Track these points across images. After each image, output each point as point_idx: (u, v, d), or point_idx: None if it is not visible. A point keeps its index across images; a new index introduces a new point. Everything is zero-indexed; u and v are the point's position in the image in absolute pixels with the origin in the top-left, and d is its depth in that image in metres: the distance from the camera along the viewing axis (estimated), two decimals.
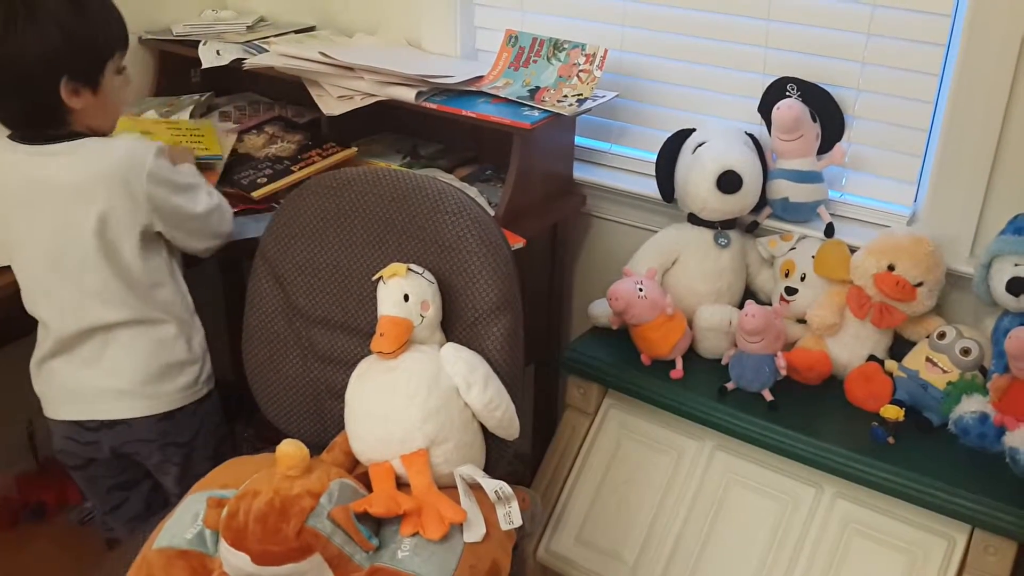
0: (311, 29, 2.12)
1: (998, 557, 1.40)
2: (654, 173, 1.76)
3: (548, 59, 1.79)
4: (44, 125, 1.35)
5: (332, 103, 1.78)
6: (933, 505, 1.42)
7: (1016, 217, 1.50)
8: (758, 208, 1.72)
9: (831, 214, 1.69)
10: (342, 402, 1.34)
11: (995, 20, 1.44)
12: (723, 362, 1.67)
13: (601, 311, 1.77)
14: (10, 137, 1.37)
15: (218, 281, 2.29)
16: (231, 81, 2.03)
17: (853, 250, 1.63)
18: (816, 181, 1.67)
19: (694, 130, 1.74)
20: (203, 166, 1.65)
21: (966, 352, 1.51)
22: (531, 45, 1.80)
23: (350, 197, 1.41)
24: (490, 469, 1.34)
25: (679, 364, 1.66)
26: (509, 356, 1.34)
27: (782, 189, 1.68)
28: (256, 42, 1.97)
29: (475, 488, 1.27)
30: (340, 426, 1.35)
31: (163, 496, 1.58)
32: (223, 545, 1.14)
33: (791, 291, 1.68)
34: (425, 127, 1.98)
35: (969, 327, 1.55)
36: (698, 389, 1.63)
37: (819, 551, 1.50)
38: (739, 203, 1.67)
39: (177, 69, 2.05)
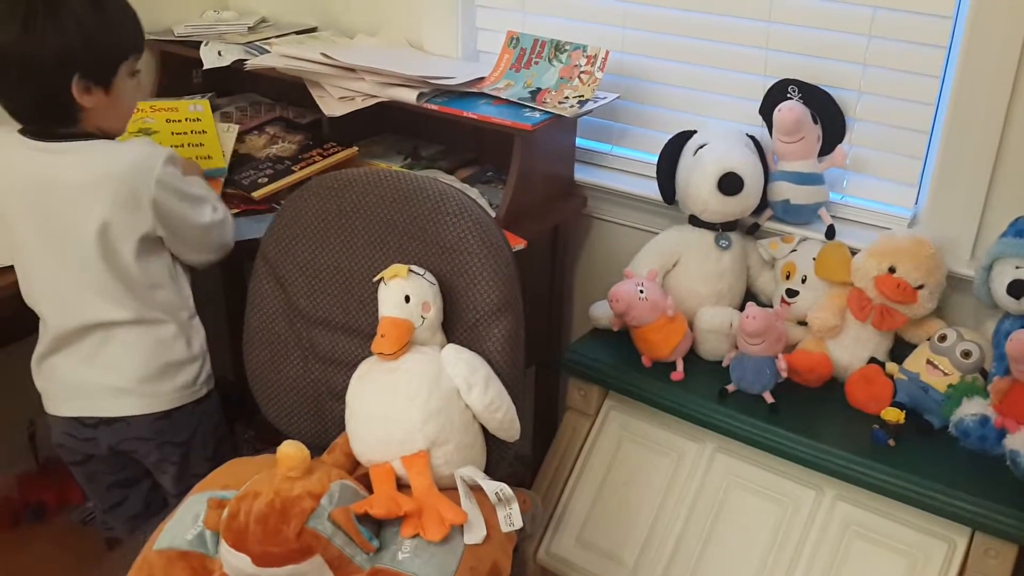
0: (312, 30, 2.12)
1: (999, 560, 1.39)
2: (655, 175, 1.77)
3: (549, 60, 1.79)
4: (54, 121, 1.35)
5: (333, 104, 1.78)
6: (933, 508, 1.42)
7: (1017, 219, 1.50)
8: (759, 210, 1.72)
9: (832, 216, 1.69)
10: (343, 403, 1.34)
11: (996, 22, 1.44)
12: (724, 364, 1.67)
13: (602, 313, 1.77)
14: (20, 132, 1.38)
15: (219, 282, 2.29)
16: (232, 82, 2.03)
17: (854, 252, 1.63)
18: (817, 183, 1.67)
19: (695, 132, 1.74)
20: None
21: (967, 355, 1.51)
22: (532, 46, 1.80)
23: (351, 198, 1.41)
24: (491, 471, 1.34)
25: (680, 366, 1.66)
26: (510, 357, 1.34)
27: (783, 191, 1.68)
28: (257, 43, 1.97)
29: (476, 490, 1.27)
30: (341, 427, 1.35)
31: (163, 496, 1.58)
32: (224, 546, 1.14)
33: (792, 293, 1.68)
34: (426, 128, 1.98)
35: (970, 329, 1.55)
36: (699, 391, 1.63)
37: (819, 554, 1.50)
38: (740, 205, 1.67)
39: (178, 70, 2.05)
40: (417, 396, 1.25)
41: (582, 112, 1.70)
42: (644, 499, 1.64)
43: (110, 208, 1.35)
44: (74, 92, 1.32)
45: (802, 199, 1.67)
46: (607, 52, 1.74)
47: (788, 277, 1.69)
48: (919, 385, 1.53)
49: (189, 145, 1.75)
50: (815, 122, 1.65)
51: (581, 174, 1.89)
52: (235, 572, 1.13)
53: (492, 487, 1.26)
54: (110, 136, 1.40)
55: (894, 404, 1.53)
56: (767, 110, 1.69)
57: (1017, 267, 1.46)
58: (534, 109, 1.68)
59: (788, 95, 1.66)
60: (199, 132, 1.77)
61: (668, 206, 1.79)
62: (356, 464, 1.33)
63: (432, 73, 1.75)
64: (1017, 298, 1.45)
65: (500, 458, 1.36)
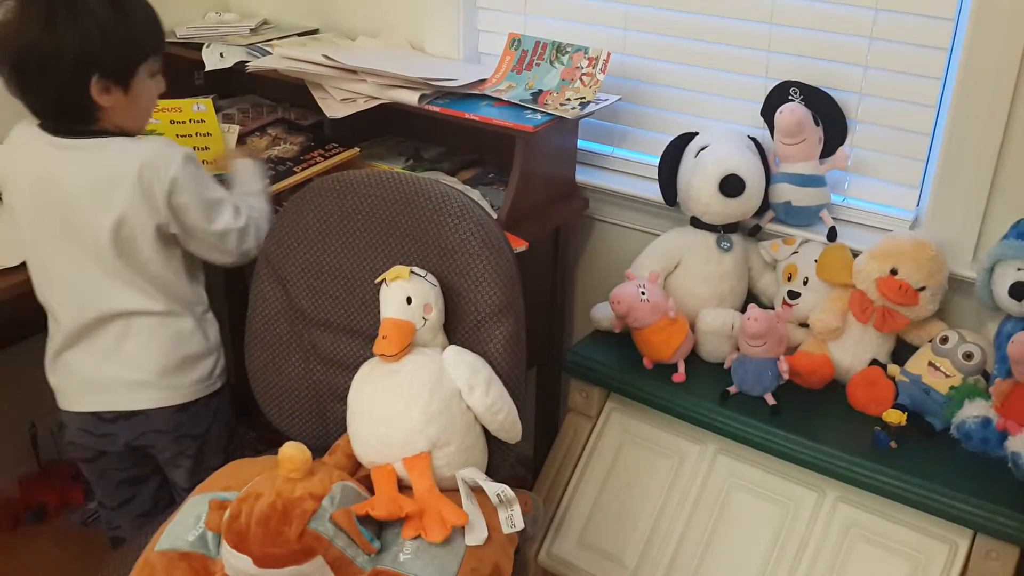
0: (314, 32, 2.12)
1: (1000, 562, 1.39)
2: (656, 177, 1.77)
3: (551, 62, 1.79)
4: (73, 119, 1.36)
5: (335, 106, 1.78)
6: (935, 510, 1.42)
7: (1019, 222, 1.50)
8: (761, 212, 1.72)
9: (834, 218, 1.69)
10: (344, 405, 1.34)
11: (998, 24, 1.44)
12: (725, 366, 1.67)
13: (603, 314, 1.77)
14: (40, 127, 1.39)
15: (220, 283, 2.29)
16: (234, 84, 2.03)
17: (856, 254, 1.63)
18: (819, 185, 1.67)
19: (696, 134, 1.74)
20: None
21: (968, 356, 1.51)
22: (534, 48, 1.81)
23: (353, 200, 1.41)
24: (492, 472, 1.34)
25: (681, 368, 1.66)
26: (511, 359, 1.34)
27: (785, 193, 1.68)
28: (259, 45, 1.98)
29: (477, 491, 1.27)
30: (342, 429, 1.35)
31: (170, 494, 1.59)
32: (225, 547, 1.14)
33: (794, 295, 1.68)
34: (428, 130, 1.98)
35: (972, 331, 1.55)
36: (700, 393, 1.63)
37: (821, 556, 1.50)
38: (741, 207, 1.67)
39: (180, 72, 2.05)
40: (419, 398, 1.25)
41: (583, 114, 1.71)
42: (645, 501, 1.64)
43: (126, 204, 1.36)
44: (93, 92, 1.33)
45: (804, 201, 1.67)
46: (608, 54, 1.74)
47: (790, 279, 1.69)
48: (921, 387, 1.53)
49: (193, 147, 1.75)
50: (816, 124, 1.65)
51: (582, 176, 1.90)
52: (236, 573, 1.13)
53: (493, 488, 1.26)
54: (129, 135, 1.41)
55: (896, 406, 1.53)
56: (768, 112, 1.69)
57: (1019, 269, 1.46)
58: (535, 111, 1.68)
59: (790, 97, 1.66)
60: (204, 135, 1.77)
61: (669, 208, 1.79)
62: (357, 465, 1.32)
63: (434, 75, 1.76)
64: (1019, 300, 1.45)
65: (501, 460, 1.36)
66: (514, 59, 1.82)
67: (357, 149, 1.84)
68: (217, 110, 1.98)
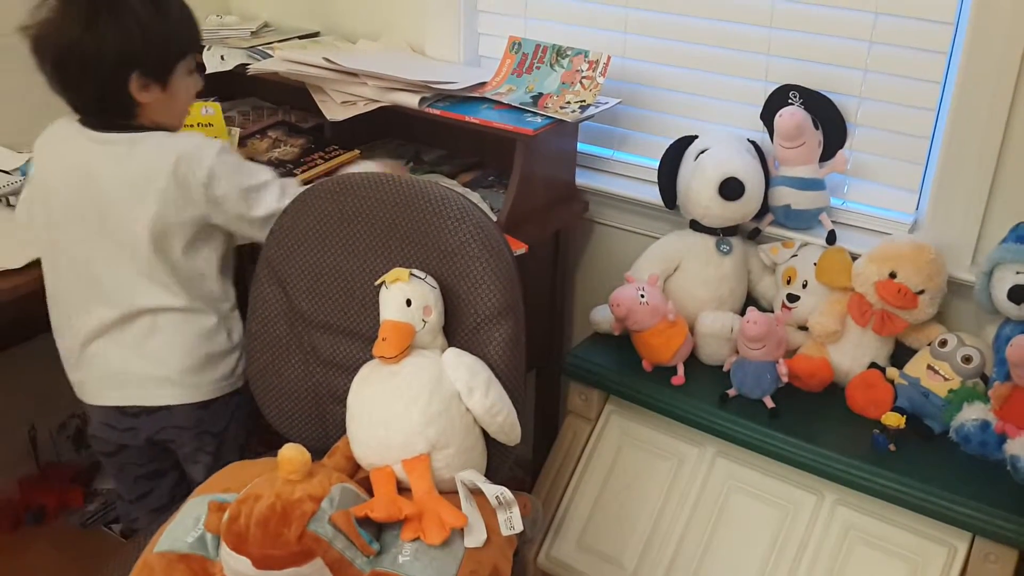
0: (315, 35, 2.12)
1: (999, 565, 1.39)
2: (656, 180, 1.77)
3: (551, 66, 1.79)
4: (113, 115, 1.38)
5: (336, 108, 1.79)
6: (934, 513, 1.42)
7: (1018, 225, 1.51)
8: (760, 215, 1.72)
9: (833, 221, 1.69)
10: (344, 406, 1.34)
11: (997, 28, 1.44)
12: (724, 369, 1.67)
13: (603, 317, 1.77)
14: (80, 121, 1.41)
15: None
16: (235, 86, 2.03)
17: (855, 257, 1.63)
18: (818, 188, 1.67)
19: (696, 137, 1.74)
20: None
21: (967, 360, 1.51)
22: (534, 51, 1.81)
23: (353, 202, 1.41)
24: (491, 474, 1.34)
25: (680, 370, 1.67)
26: (511, 361, 1.34)
27: (784, 196, 1.68)
28: (260, 47, 1.98)
29: (476, 493, 1.27)
30: (342, 430, 1.35)
31: (187, 489, 1.59)
32: (224, 549, 1.14)
33: (793, 298, 1.68)
34: (428, 133, 1.98)
35: (970, 335, 1.56)
36: (699, 395, 1.63)
37: (820, 558, 1.50)
38: (741, 210, 1.67)
39: None
40: (418, 400, 1.25)
41: (583, 117, 1.71)
42: (645, 503, 1.64)
43: (163, 197, 1.37)
44: (132, 89, 1.35)
45: (803, 204, 1.67)
46: (609, 57, 1.74)
47: (789, 282, 1.69)
48: (920, 390, 1.53)
49: None
50: (816, 127, 1.66)
51: (582, 179, 1.90)
52: (236, 575, 1.13)
53: (493, 491, 1.26)
54: (166, 131, 1.43)
55: (895, 409, 1.53)
56: (768, 115, 1.69)
57: (1018, 272, 1.46)
58: (536, 114, 1.69)
59: (789, 100, 1.66)
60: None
61: (669, 211, 1.79)
62: (357, 467, 1.33)
63: (434, 78, 1.76)
64: (1018, 303, 1.45)
65: (501, 462, 1.36)
66: (514, 62, 1.83)
67: (357, 152, 1.84)
68: None
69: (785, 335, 1.64)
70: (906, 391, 1.55)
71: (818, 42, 1.65)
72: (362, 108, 1.77)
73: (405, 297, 1.28)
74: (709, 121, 1.80)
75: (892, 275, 1.55)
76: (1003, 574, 1.39)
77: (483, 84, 1.81)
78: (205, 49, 1.96)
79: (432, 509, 1.22)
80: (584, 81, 1.75)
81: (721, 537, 1.57)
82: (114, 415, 1.48)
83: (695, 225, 1.74)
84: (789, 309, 1.68)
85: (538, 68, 1.80)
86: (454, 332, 1.35)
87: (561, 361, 1.83)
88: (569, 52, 1.78)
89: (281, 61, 1.86)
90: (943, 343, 1.54)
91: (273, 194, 1.47)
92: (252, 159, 1.82)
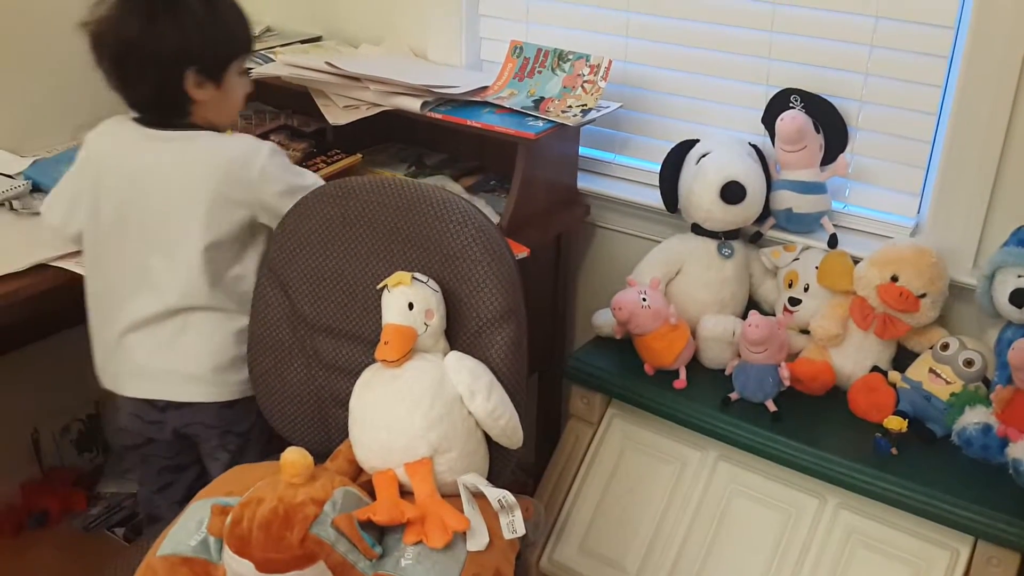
0: (317, 39, 2.13)
1: (1001, 569, 1.39)
2: (658, 183, 1.77)
3: (552, 70, 1.79)
4: (168, 112, 1.42)
5: (338, 113, 1.79)
6: (936, 516, 1.42)
7: (1019, 228, 1.51)
8: (762, 219, 1.72)
9: (834, 225, 1.70)
10: (346, 410, 1.34)
11: (998, 32, 1.44)
12: (726, 372, 1.67)
13: (605, 321, 1.77)
14: (134, 119, 1.44)
15: None
16: None
17: (856, 261, 1.63)
18: (819, 192, 1.67)
19: (698, 141, 1.74)
20: None
21: (969, 363, 1.51)
22: (536, 56, 1.81)
23: (355, 206, 1.41)
24: (493, 478, 1.34)
25: (683, 374, 1.67)
26: (513, 365, 1.34)
27: (786, 200, 1.68)
28: (262, 52, 1.98)
29: (478, 497, 1.27)
30: (344, 434, 1.35)
31: (205, 484, 1.60)
32: (227, 552, 1.14)
33: (795, 302, 1.68)
34: (430, 137, 1.99)
35: (972, 338, 1.55)
36: (701, 399, 1.63)
37: (822, 562, 1.50)
38: (742, 214, 1.67)
39: None
40: (420, 403, 1.25)
41: (585, 121, 1.71)
42: (647, 507, 1.64)
43: (213, 196, 1.40)
44: (188, 86, 1.38)
45: (805, 208, 1.68)
46: (610, 61, 1.75)
47: (791, 286, 1.70)
48: (922, 394, 1.53)
49: None
50: (817, 131, 1.66)
51: (584, 182, 1.90)
52: None
53: (495, 494, 1.26)
54: (217, 131, 1.46)
55: (897, 413, 1.53)
56: (769, 119, 1.69)
57: (1019, 276, 1.46)
58: (537, 118, 1.69)
59: (790, 104, 1.67)
60: None
61: (671, 214, 1.79)
62: (359, 471, 1.33)
63: (436, 82, 1.76)
64: (1019, 307, 1.45)
65: (503, 465, 1.36)
66: (516, 66, 1.83)
67: (359, 155, 1.85)
68: None
69: (787, 339, 1.64)
70: (908, 395, 1.55)
71: (819, 46, 1.65)
72: (364, 112, 1.77)
73: (407, 301, 1.28)
74: (710, 125, 1.80)
75: (894, 279, 1.55)
76: None
77: (485, 88, 1.81)
78: None
79: (434, 512, 1.22)
80: (586, 85, 1.76)
81: (723, 541, 1.57)
82: (144, 407, 1.51)
83: (697, 229, 1.74)
84: (791, 313, 1.68)
85: (540, 72, 1.80)
86: (456, 336, 1.35)
87: (563, 365, 1.83)
88: (571, 56, 1.78)
89: (283, 65, 1.86)
90: (945, 346, 1.54)
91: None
92: None
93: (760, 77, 1.72)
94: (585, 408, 1.75)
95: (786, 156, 1.67)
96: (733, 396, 1.62)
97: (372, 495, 1.26)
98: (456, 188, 1.82)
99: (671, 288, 1.75)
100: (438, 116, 1.71)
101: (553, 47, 1.80)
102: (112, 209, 1.44)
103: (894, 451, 1.49)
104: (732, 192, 1.63)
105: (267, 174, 1.42)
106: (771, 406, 1.59)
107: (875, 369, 1.61)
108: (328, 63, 1.79)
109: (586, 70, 1.76)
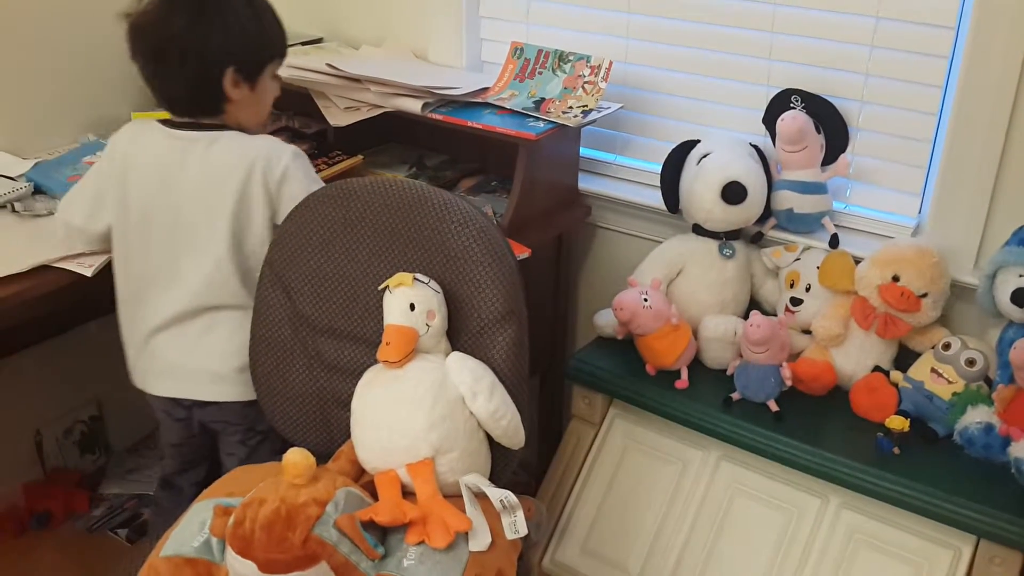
0: (318, 41, 2.13)
1: (1004, 568, 1.39)
2: (659, 184, 1.77)
3: (553, 71, 1.80)
4: (201, 108, 1.45)
5: (338, 114, 1.79)
6: (938, 516, 1.42)
7: (1020, 228, 1.51)
8: (763, 219, 1.72)
9: (836, 225, 1.70)
10: (348, 411, 1.34)
11: (999, 32, 1.44)
12: (728, 372, 1.67)
13: (606, 321, 1.77)
14: (161, 122, 1.47)
15: None
16: None
17: (858, 261, 1.63)
18: (820, 192, 1.68)
19: (699, 141, 1.74)
20: None
21: (971, 363, 1.51)
22: (536, 57, 1.81)
23: (357, 207, 1.41)
24: (495, 478, 1.34)
25: (684, 374, 1.67)
26: (514, 365, 1.34)
27: (787, 200, 1.68)
28: None
29: (480, 497, 1.27)
30: (346, 435, 1.36)
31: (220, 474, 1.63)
32: (229, 553, 1.14)
33: (796, 302, 1.68)
34: (431, 138, 1.99)
35: (974, 338, 1.56)
36: (703, 399, 1.63)
37: (824, 562, 1.50)
38: (744, 214, 1.68)
39: None
40: (422, 404, 1.26)
41: (586, 122, 1.71)
42: (649, 507, 1.64)
43: (238, 196, 1.42)
44: (225, 83, 1.41)
45: (806, 208, 1.68)
46: (611, 62, 1.75)
47: (792, 286, 1.70)
48: (923, 393, 1.53)
49: None
50: (818, 131, 1.66)
51: (585, 183, 1.90)
52: None
53: (497, 494, 1.26)
54: (245, 132, 1.48)
55: (898, 412, 1.53)
56: (770, 119, 1.69)
57: (1020, 275, 1.46)
58: (538, 119, 1.69)
59: (791, 104, 1.67)
60: None
61: (672, 215, 1.79)
62: (361, 471, 1.33)
63: (437, 83, 1.77)
64: (1021, 306, 1.45)
65: (504, 466, 1.36)
66: (517, 67, 1.83)
67: (361, 157, 1.85)
68: None
69: (788, 339, 1.64)
70: (910, 394, 1.55)
71: (820, 46, 1.65)
72: (365, 114, 1.77)
73: (409, 301, 1.28)
74: (711, 125, 1.80)
75: (895, 278, 1.55)
76: None
77: (486, 89, 1.81)
78: None
79: (436, 513, 1.22)
80: (586, 86, 1.76)
81: (725, 541, 1.57)
82: (171, 405, 1.55)
83: (698, 229, 1.74)
84: (792, 313, 1.68)
85: (540, 73, 1.81)
86: (458, 336, 1.35)
87: (565, 365, 1.83)
88: (571, 57, 1.78)
89: (284, 67, 1.85)
90: (947, 346, 1.54)
91: None
92: None
93: (761, 77, 1.72)
94: (587, 408, 1.75)
95: (787, 156, 1.67)
96: (735, 396, 1.62)
97: (374, 496, 1.26)
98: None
99: (672, 288, 1.75)
100: (439, 117, 1.71)
101: (554, 48, 1.80)
102: (139, 209, 1.46)
103: (896, 451, 1.49)
104: (733, 192, 1.63)
105: (288, 175, 1.44)
106: (773, 406, 1.59)
107: (877, 369, 1.61)
108: (329, 64, 1.80)
109: (587, 71, 1.76)
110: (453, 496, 1.26)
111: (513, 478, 1.40)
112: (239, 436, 1.57)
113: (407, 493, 1.26)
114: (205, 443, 1.63)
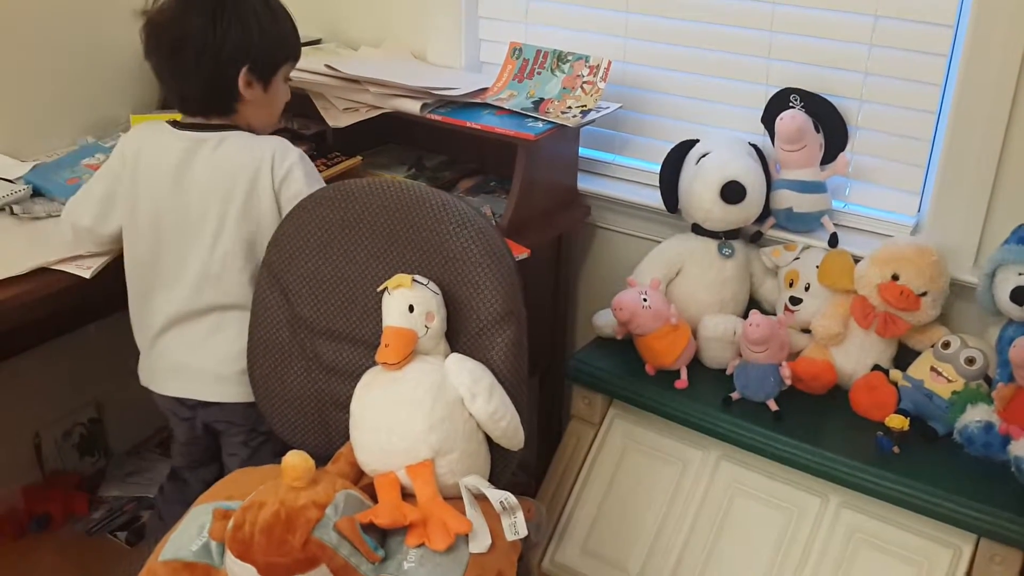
0: (317, 42, 2.13)
1: (1004, 567, 1.39)
2: (658, 184, 1.77)
3: (552, 71, 1.79)
4: (214, 107, 1.45)
5: (337, 115, 1.79)
6: (939, 515, 1.42)
7: (1020, 226, 1.51)
8: (762, 218, 1.72)
9: (835, 224, 1.70)
10: (347, 413, 1.34)
11: (997, 30, 1.44)
12: (728, 372, 1.67)
13: (606, 321, 1.77)
14: (169, 123, 1.48)
15: None
16: None
17: (857, 260, 1.63)
18: (820, 191, 1.67)
19: (697, 141, 1.74)
20: None
21: (971, 361, 1.51)
22: (535, 57, 1.81)
23: (355, 208, 1.41)
24: (494, 479, 1.34)
25: (684, 374, 1.67)
26: (514, 366, 1.34)
27: (786, 199, 1.68)
28: None
29: (480, 498, 1.27)
30: (345, 437, 1.35)
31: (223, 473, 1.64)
32: (229, 557, 1.14)
33: (795, 301, 1.68)
34: (430, 139, 1.99)
35: (974, 336, 1.55)
36: (703, 399, 1.63)
37: (824, 561, 1.50)
38: (743, 213, 1.67)
39: None
40: (421, 405, 1.25)
41: (585, 122, 1.71)
42: (649, 507, 1.64)
43: (246, 194, 1.43)
44: (240, 82, 1.42)
45: (805, 207, 1.68)
46: (609, 62, 1.75)
47: (791, 285, 1.70)
48: (923, 392, 1.53)
49: None
50: (817, 130, 1.66)
51: (584, 183, 1.90)
52: None
53: (496, 496, 1.26)
54: (254, 133, 1.48)
55: (898, 411, 1.53)
56: (769, 119, 1.69)
57: (1020, 274, 1.46)
58: (537, 119, 1.69)
59: (790, 104, 1.67)
60: None
61: (671, 215, 1.79)
62: (361, 474, 1.33)
63: (435, 84, 1.76)
64: (1020, 305, 1.45)
65: (504, 467, 1.36)
66: (515, 68, 1.83)
67: (359, 158, 1.85)
68: None
69: (788, 338, 1.64)
70: (910, 393, 1.55)
71: (818, 45, 1.65)
72: (364, 115, 1.77)
73: (407, 303, 1.28)
74: (710, 125, 1.80)
75: (894, 277, 1.55)
76: (1008, 575, 1.40)
77: (484, 90, 1.81)
78: None
79: (436, 515, 1.22)
80: (585, 86, 1.76)
81: (725, 540, 1.57)
82: (176, 404, 1.56)
83: (697, 229, 1.74)
84: (792, 312, 1.68)
85: (539, 73, 1.80)
86: (457, 337, 1.35)
87: (564, 366, 1.83)
88: (570, 57, 1.78)
89: None
90: (946, 345, 1.54)
91: None
92: None
93: (760, 77, 1.72)
94: (586, 409, 1.75)
95: (786, 155, 1.67)
96: (734, 396, 1.62)
97: (374, 498, 1.26)
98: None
99: (672, 288, 1.75)
100: (438, 118, 1.71)
101: (552, 48, 1.80)
102: (149, 209, 1.46)
103: (896, 449, 1.49)
104: (732, 192, 1.63)
105: (293, 176, 1.45)
106: (772, 405, 1.59)
107: (876, 368, 1.61)
108: (328, 65, 1.80)
109: (585, 71, 1.76)
110: (453, 498, 1.26)
111: (513, 479, 1.40)
112: (242, 437, 1.57)
113: (407, 495, 1.26)
114: (211, 444, 1.64)
